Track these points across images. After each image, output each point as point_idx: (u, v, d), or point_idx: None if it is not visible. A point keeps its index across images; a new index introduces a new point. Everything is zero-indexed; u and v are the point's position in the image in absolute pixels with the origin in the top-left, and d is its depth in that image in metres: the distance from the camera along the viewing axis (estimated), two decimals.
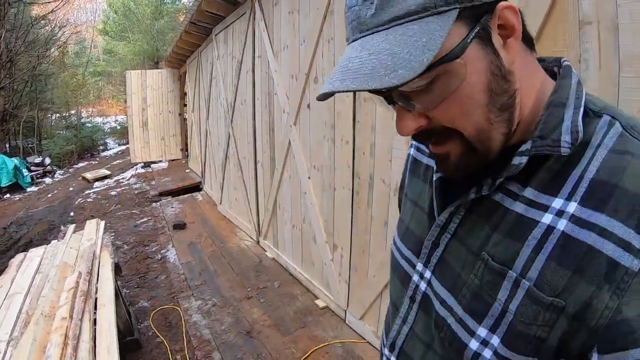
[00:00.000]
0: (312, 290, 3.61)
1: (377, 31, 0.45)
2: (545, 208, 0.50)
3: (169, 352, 3.11)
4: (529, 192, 0.52)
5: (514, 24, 0.49)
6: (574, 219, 0.47)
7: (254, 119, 4.68)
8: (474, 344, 0.54)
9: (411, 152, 0.79)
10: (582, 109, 0.51)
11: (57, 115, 19.04)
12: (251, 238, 5.18)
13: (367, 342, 2.83)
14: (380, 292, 2.61)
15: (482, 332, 0.53)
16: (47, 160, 13.81)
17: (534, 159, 0.52)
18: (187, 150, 12.00)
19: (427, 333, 0.64)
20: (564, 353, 0.48)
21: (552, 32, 1.48)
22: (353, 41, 0.48)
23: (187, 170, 10.44)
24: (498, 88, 0.49)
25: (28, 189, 11.51)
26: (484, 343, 0.53)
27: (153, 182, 9.90)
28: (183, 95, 12.21)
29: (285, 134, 3.76)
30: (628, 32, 1.29)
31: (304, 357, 2.77)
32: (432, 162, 0.69)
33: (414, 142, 0.78)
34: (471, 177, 0.57)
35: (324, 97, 0.48)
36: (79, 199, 9.45)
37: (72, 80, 20.41)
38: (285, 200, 3.98)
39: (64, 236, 4.54)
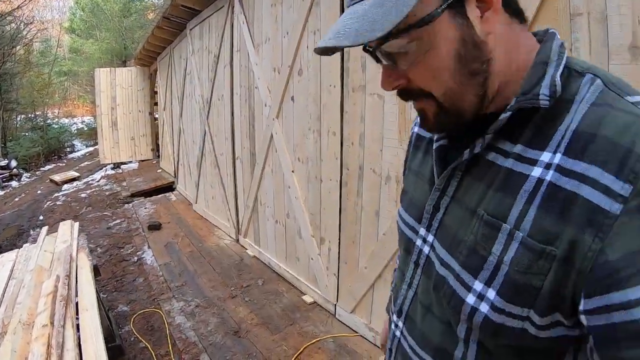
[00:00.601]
0: (299, 287, 3.54)
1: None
2: (534, 162, 0.53)
3: (154, 357, 2.98)
4: (519, 148, 0.55)
5: None
6: (559, 169, 0.50)
7: (232, 114, 4.57)
8: (470, 299, 0.56)
9: (415, 129, 0.83)
10: (562, 67, 0.55)
11: (23, 116, 18.33)
12: (230, 237, 5.06)
13: (360, 335, 2.78)
14: (372, 284, 2.57)
15: (478, 286, 0.56)
16: (13, 163, 13.28)
17: (522, 117, 0.55)
18: (158, 150, 11.70)
19: (427, 296, 0.66)
20: (558, 302, 0.50)
21: (544, 23, 1.49)
22: (349, 6, 0.53)
23: (158, 170, 10.16)
24: (468, 55, 0.54)
25: None
26: (480, 297, 0.55)
27: (124, 183, 9.59)
28: (153, 93, 11.90)
29: (267, 128, 3.68)
30: (616, 23, 1.32)
31: (296, 354, 2.69)
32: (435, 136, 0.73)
33: (418, 120, 0.80)
34: (466, 140, 0.61)
35: (321, 51, 0.55)
36: (48, 202, 9.09)
37: (37, 79, 19.71)
38: (267, 195, 3.90)
39: (35, 240, 4.31)
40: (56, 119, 21.18)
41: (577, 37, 1.43)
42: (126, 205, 7.82)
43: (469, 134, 0.61)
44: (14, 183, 12.51)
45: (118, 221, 6.79)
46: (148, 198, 8.09)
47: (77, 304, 2.62)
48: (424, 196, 0.70)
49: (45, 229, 4.43)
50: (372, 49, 0.56)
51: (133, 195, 8.28)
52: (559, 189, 0.50)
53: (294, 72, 3.16)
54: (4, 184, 12.15)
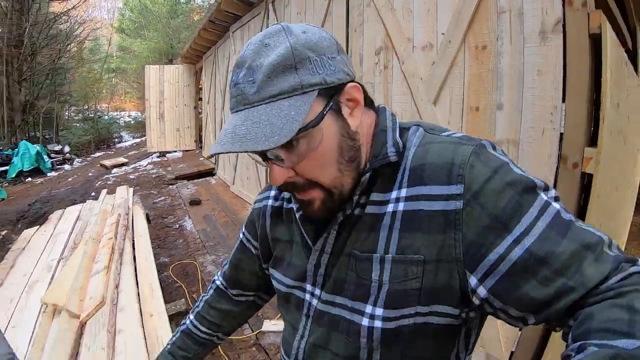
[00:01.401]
0: None
1: (258, 105, 0.58)
2: (386, 202, 0.66)
3: (186, 292, 3.72)
4: (374, 196, 0.67)
5: (357, 98, 0.65)
6: (407, 198, 0.63)
7: None
8: (365, 321, 0.66)
9: (269, 204, 0.88)
10: (398, 129, 0.69)
11: (74, 108, 19.79)
12: None
13: None
14: None
15: (368, 309, 0.66)
16: (67, 149, 14.60)
17: (375, 173, 0.67)
18: (200, 141, 12.74)
19: (323, 338, 0.73)
20: (445, 293, 0.62)
21: (480, 19, 2.11)
22: (237, 111, 0.61)
23: (200, 159, 11.13)
24: (346, 146, 0.64)
25: (48, 174, 12.30)
26: (372, 317, 0.65)
27: (169, 168, 10.59)
28: (198, 89, 12.93)
29: None
30: (529, 16, 1.92)
31: None
32: (291, 205, 0.81)
33: (271, 194, 0.89)
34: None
35: (212, 156, 0.90)
36: (99, 182, 10.18)
37: (89, 75, 21.25)
38: None
39: (96, 199, 5.20)
40: (105, 113, 22.67)
41: (502, 29, 2.05)
42: (170, 186, 8.77)
43: None
44: (67, 166, 13.84)
45: (162, 198, 7.71)
46: (190, 181, 9.02)
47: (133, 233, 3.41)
48: (302, 259, 0.77)
49: (105, 190, 5.33)
50: (265, 151, 0.59)
51: (177, 178, 9.22)
52: (413, 212, 0.62)
53: None
54: (57, 166, 13.43)
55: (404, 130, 0.70)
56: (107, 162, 12.55)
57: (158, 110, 12.60)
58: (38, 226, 4.50)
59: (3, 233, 6.18)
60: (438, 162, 0.61)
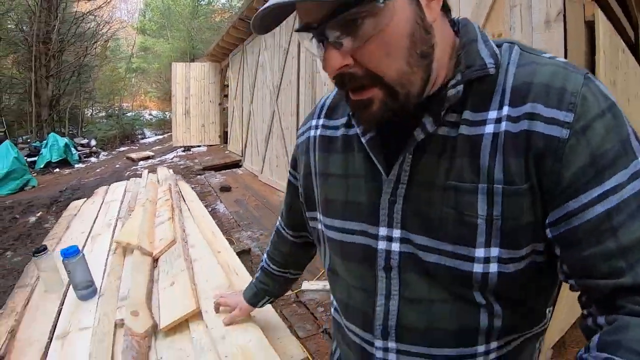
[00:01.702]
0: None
1: None
2: (483, 122, 0.58)
3: None
4: (467, 115, 0.60)
5: None
6: (509, 118, 0.56)
7: (297, 95, 5.81)
8: (477, 267, 0.59)
9: (316, 134, 0.80)
10: (489, 41, 0.63)
11: (98, 104, 20.66)
12: None
13: None
14: None
15: (479, 253, 0.59)
16: (93, 142, 15.37)
17: (464, 89, 0.60)
18: (225, 136, 13.33)
19: (422, 289, 0.64)
20: (542, 229, 0.57)
21: (496, 12, 2.57)
22: None
23: (226, 152, 11.69)
24: (419, 37, 0.56)
25: (76, 165, 12.99)
26: (486, 261, 0.59)
27: (196, 160, 11.15)
28: (223, 86, 13.52)
29: None
30: (536, 9, 2.36)
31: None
32: (351, 131, 0.72)
33: (318, 122, 0.81)
34: (400, 128, 0.63)
35: (272, 6, 0.54)
36: (128, 172, 10.73)
37: (112, 73, 22.12)
38: None
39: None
40: (127, 111, 23.51)
41: (514, 20, 2.50)
42: (198, 176, 9.26)
43: (403, 119, 0.62)
44: (93, 159, 14.56)
45: (192, 186, 8.16)
46: (218, 171, 9.55)
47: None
48: (365, 195, 0.68)
49: (146, 170, 5.87)
50: (324, 23, 0.53)
51: (204, 169, 9.76)
52: (514, 135, 0.56)
53: None
54: (84, 159, 14.19)
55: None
56: (134, 155, 13.19)
57: (184, 106, 13.21)
58: (85, 198, 5.04)
59: (38, 214, 6.79)
60: (548, 83, 0.56)
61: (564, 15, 2.19)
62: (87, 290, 2.00)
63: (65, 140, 13.17)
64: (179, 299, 1.70)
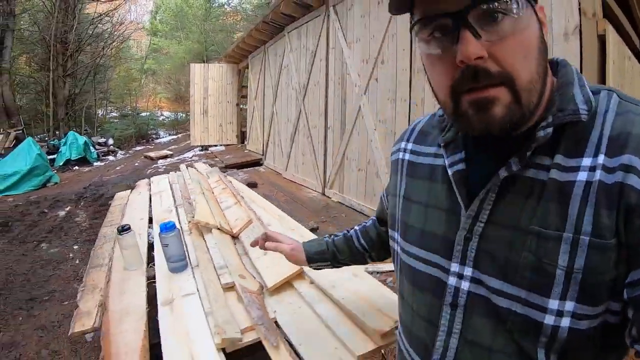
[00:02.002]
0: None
1: None
2: (577, 169, 0.57)
3: None
4: (560, 159, 0.59)
5: (545, 21, 0.63)
6: (604, 168, 0.56)
7: (326, 95, 6.30)
8: (549, 319, 0.58)
9: (405, 157, 0.85)
10: (585, 86, 0.63)
11: (112, 104, 21.34)
12: (317, 191, 6.78)
13: None
14: None
15: (553, 304, 0.57)
16: (110, 141, 16.05)
17: (555, 132, 0.60)
18: (242, 136, 13.87)
19: (485, 334, 0.64)
20: (621, 289, 0.55)
21: None
22: None
23: (245, 151, 12.20)
24: (542, 53, 0.59)
25: (95, 164, 13.67)
26: (559, 314, 0.57)
27: (217, 159, 11.67)
28: (241, 87, 14.05)
29: (356, 102, 5.35)
30: (555, 24, 2.82)
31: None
32: (438, 161, 0.76)
33: (408, 146, 0.86)
34: (489, 167, 0.64)
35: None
36: (149, 170, 11.27)
37: (126, 74, 22.79)
38: (353, 152, 5.56)
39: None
40: (140, 111, 24.13)
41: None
42: (222, 173, 9.77)
43: (491, 155, 0.65)
44: (111, 157, 15.29)
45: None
46: (240, 169, 10.04)
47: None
48: (445, 227, 0.70)
49: (184, 165, 6.37)
50: (463, 11, 0.55)
51: (226, 167, 10.25)
52: (608, 186, 0.54)
53: (378, 61, 4.81)
54: (102, 157, 14.80)
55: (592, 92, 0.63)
56: (152, 154, 13.77)
57: (202, 107, 13.76)
58: (130, 190, 5.51)
59: (67, 209, 7.34)
60: None
61: (580, 30, 2.67)
62: (180, 263, 2.35)
63: (85, 138, 13.83)
64: (278, 265, 2.15)
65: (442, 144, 0.73)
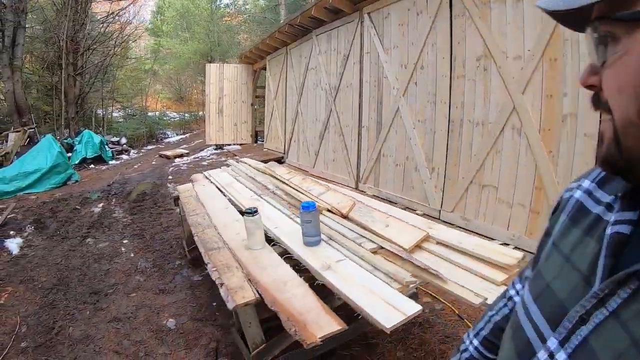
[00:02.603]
0: (410, 207, 5.87)
1: None
2: None
3: None
4: None
5: None
6: None
7: (360, 96, 7.02)
8: None
9: (577, 195, 0.69)
10: None
11: (119, 104, 21.96)
12: (349, 186, 7.48)
13: (457, 226, 5.02)
14: (466, 188, 4.87)
15: None
16: (123, 140, 16.68)
17: None
18: (256, 135, 14.59)
19: None
20: None
21: (553, 43, 3.76)
22: None
23: (264, 150, 12.91)
24: None
25: (110, 162, 14.19)
26: None
27: (237, 157, 12.32)
28: (255, 88, 14.77)
29: (394, 103, 6.07)
30: (583, 44, 3.56)
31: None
32: (607, 216, 0.60)
33: (585, 184, 0.69)
34: None
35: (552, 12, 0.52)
36: (171, 168, 11.86)
37: (132, 73, 23.44)
38: (390, 149, 6.28)
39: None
40: (148, 110, 24.76)
41: (566, 50, 3.68)
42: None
43: None
44: (125, 156, 15.84)
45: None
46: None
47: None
48: (570, 294, 0.57)
49: (233, 159, 7.05)
50: (599, 19, 0.49)
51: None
52: None
53: (418, 67, 5.54)
54: (116, 156, 15.45)
55: None
56: (168, 153, 14.42)
57: (217, 106, 14.44)
58: (191, 183, 5.50)
59: (100, 205, 7.81)
60: None
61: None
62: (316, 238, 2.77)
63: (101, 137, 14.42)
64: (404, 233, 2.77)
65: (619, 194, 0.59)
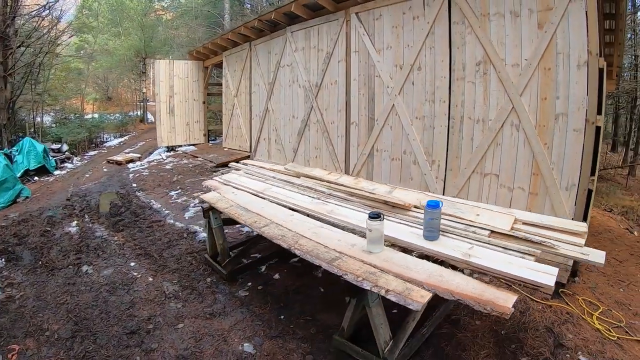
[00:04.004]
0: None
1: None
2: None
3: None
4: None
5: None
6: None
7: (347, 94, 7.85)
8: None
9: None
10: None
11: (51, 107, 21.28)
12: None
13: None
14: (468, 177, 5.85)
15: None
16: (65, 147, 16.24)
17: None
18: (208, 135, 15.05)
19: None
20: None
21: (547, 54, 4.83)
22: None
23: (225, 149, 13.39)
24: None
25: (55, 172, 13.58)
26: None
27: (199, 159, 12.76)
28: (207, 85, 15.18)
29: (388, 101, 6.95)
30: (573, 57, 4.64)
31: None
32: None
33: None
34: None
35: None
36: (130, 174, 12.02)
37: (62, 73, 22.76)
38: (385, 144, 7.15)
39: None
40: (78, 113, 24.02)
41: (559, 61, 4.76)
42: (215, 173, 10.83)
43: None
44: (69, 165, 15.27)
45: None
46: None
47: None
48: None
49: (249, 160, 7.61)
50: None
51: (218, 166, 11.44)
52: None
53: (414, 68, 6.46)
54: (59, 165, 14.89)
55: None
56: (119, 158, 14.38)
57: (168, 105, 14.67)
58: (214, 192, 5.38)
59: (73, 224, 7.43)
60: None
61: (587, 63, 4.50)
62: (437, 233, 3.33)
63: (43, 145, 13.81)
64: (495, 217, 3.57)
65: None
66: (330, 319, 4.07)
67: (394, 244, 3.38)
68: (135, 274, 5.23)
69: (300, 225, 3.95)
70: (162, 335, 3.83)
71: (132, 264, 5.58)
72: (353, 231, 3.71)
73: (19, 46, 15.69)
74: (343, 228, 3.82)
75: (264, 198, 4.91)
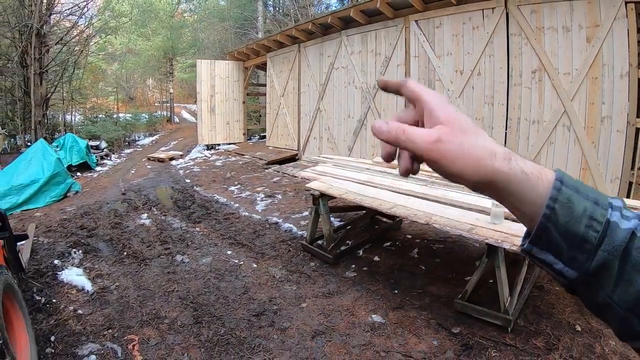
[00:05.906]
0: None
1: None
2: None
3: None
4: None
5: None
6: None
7: None
8: None
9: None
10: None
11: (82, 106, 23.03)
12: None
13: None
14: None
15: None
16: (103, 144, 17.51)
17: None
18: (248, 134, 16.65)
19: None
20: None
21: (595, 65, 6.35)
22: None
23: (270, 147, 14.95)
24: None
25: (96, 169, 14.64)
26: None
27: (246, 156, 14.23)
28: (247, 85, 16.83)
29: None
30: (617, 67, 6.15)
31: None
32: None
33: None
34: None
35: None
36: (180, 171, 13.30)
37: (92, 73, 24.54)
38: None
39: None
40: (111, 112, 25.65)
41: (605, 71, 6.24)
42: (267, 170, 12.06)
43: None
44: (108, 162, 16.50)
45: (277, 178, 11.02)
46: (282, 165, 12.65)
47: None
48: None
49: (322, 155, 9.15)
50: None
51: (269, 163, 12.86)
52: None
53: (474, 73, 7.99)
54: (99, 161, 15.98)
55: None
56: (161, 155, 15.94)
57: (209, 104, 16.32)
58: (317, 182, 5.69)
59: (145, 216, 8.21)
60: None
61: (629, 74, 5.98)
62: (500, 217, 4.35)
63: (86, 142, 15.11)
64: None
65: None
66: (438, 290, 4.78)
67: (507, 217, 4.03)
68: (236, 261, 5.73)
69: (425, 206, 4.53)
70: (290, 315, 4.28)
71: (229, 252, 6.10)
72: (470, 209, 4.38)
73: (57, 43, 17.18)
74: (460, 207, 4.47)
75: (375, 186, 5.41)
